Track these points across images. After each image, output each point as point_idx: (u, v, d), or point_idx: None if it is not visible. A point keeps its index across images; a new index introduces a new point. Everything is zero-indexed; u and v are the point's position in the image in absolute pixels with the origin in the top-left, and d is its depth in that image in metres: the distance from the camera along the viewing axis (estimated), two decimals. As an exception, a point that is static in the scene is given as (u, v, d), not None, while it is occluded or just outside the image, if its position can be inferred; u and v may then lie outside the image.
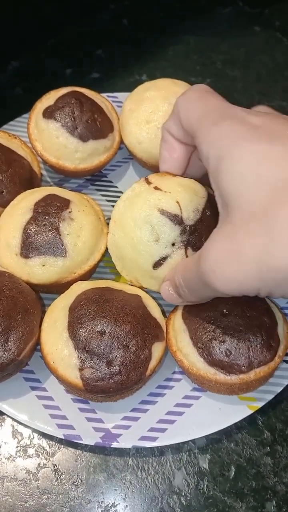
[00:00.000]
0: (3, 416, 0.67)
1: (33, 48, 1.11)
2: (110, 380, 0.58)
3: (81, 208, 0.71)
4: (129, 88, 0.99)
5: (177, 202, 0.62)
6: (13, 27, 1.14)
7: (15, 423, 0.67)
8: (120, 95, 0.94)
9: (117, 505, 0.62)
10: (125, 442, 0.62)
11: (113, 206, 0.84)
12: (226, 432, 0.66)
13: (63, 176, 0.87)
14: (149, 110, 0.79)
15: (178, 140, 0.61)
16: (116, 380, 0.58)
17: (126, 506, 0.62)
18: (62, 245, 0.67)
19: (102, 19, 1.17)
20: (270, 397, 0.65)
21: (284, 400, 0.69)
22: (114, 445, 0.62)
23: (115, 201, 0.85)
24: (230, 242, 0.46)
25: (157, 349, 0.62)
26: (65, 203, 0.70)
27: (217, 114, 0.51)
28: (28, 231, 0.67)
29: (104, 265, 0.78)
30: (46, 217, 0.67)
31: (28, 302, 0.62)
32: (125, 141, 0.83)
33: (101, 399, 0.62)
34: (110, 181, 0.87)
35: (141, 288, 0.68)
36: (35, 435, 0.66)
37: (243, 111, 0.51)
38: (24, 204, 0.71)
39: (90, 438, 0.62)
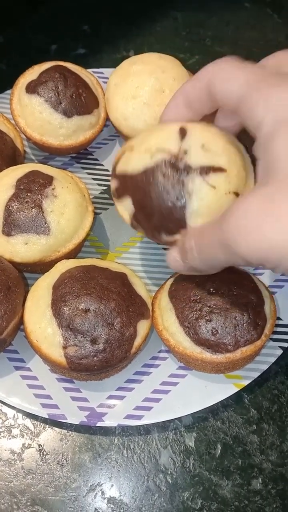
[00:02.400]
0: (-13, 397, 0.66)
1: (17, 23, 1.07)
2: (95, 358, 0.57)
3: (64, 185, 0.69)
4: (116, 64, 0.96)
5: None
6: (-4, 0, 1.10)
7: (-2, 404, 0.66)
8: (106, 71, 0.91)
9: (102, 484, 0.62)
10: (110, 420, 0.61)
11: (99, 184, 0.82)
12: (213, 410, 0.66)
13: (47, 153, 0.84)
14: (135, 85, 0.77)
15: (189, 106, 0.57)
16: (100, 358, 0.57)
17: (112, 485, 0.62)
18: (45, 223, 0.65)
19: (88, -7, 1.13)
20: (256, 375, 0.65)
21: (271, 378, 0.69)
22: (99, 424, 0.61)
23: (101, 180, 0.83)
24: (267, 202, 0.43)
25: (143, 327, 0.61)
26: (48, 180, 0.68)
27: (272, 78, 0.47)
28: (10, 208, 0.65)
29: (90, 244, 0.77)
30: (29, 194, 0.65)
31: (10, 280, 0.61)
32: (110, 117, 0.81)
33: (85, 377, 0.61)
34: (96, 159, 0.85)
35: None
36: (20, 415, 0.65)
37: None
38: (6, 181, 0.68)
39: (75, 417, 0.61)
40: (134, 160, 0.59)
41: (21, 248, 0.64)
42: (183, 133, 0.57)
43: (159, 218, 0.57)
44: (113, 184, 0.61)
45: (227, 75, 0.51)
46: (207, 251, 0.50)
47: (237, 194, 0.57)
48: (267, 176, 0.45)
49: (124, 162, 0.60)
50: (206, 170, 0.56)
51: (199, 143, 0.57)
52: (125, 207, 0.60)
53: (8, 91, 0.88)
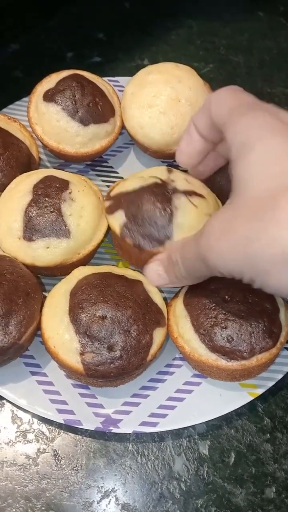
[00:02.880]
0: (3, 401, 0.67)
1: (33, 31, 1.09)
2: (111, 365, 0.57)
3: (80, 188, 0.70)
4: (131, 72, 0.98)
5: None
6: (13, 9, 1.11)
7: (14, 408, 0.66)
8: (122, 79, 0.93)
9: (116, 490, 0.62)
10: (125, 427, 0.61)
11: (114, 192, 0.83)
12: (226, 419, 0.66)
13: (63, 161, 0.85)
14: (152, 94, 0.78)
15: (200, 135, 0.62)
16: (117, 365, 0.58)
17: (126, 491, 0.62)
18: (65, 226, 0.66)
19: (103, 2, 1.14)
20: (270, 384, 0.65)
21: (284, 387, 0.69)
22: (115, 430, 0.61)
23: (116, 187, 0.84)
24: (227, 221, 0.48)
25: (158, 335, 0.61)
26: (64, 184, 0.69)
27: (249, 106, 0.53)
28: (30, 213, 0.66)
29: (105, 251, 0.77)
30: (47, 199, 0.66)
31: (29, 286, 0.62)
32: (126, 125, 0.82)
33: (101, 384, 0.61)
34: (111, 167, 0.86)
35: None
36: (35, 420, 0.66)
37: (276, 108, 0.53)
38: (22, 187, 0.70)
39: (91, 423, 0.62)
40: (129, 183, 0.70)
41: (43, 252, 0.65)
42: (170, 170, 0.70)
43: (148, 227, 0.65)
44: (107, 204, 0.71)
45: (220, 101, 0.56)
46: (190, 264, 0.55)
47: None
48: (232, 196, 0.50)
49: (119, 187, 0.72)
50: (190, 193, 0.67)
51: (183, 177, 0.69)
52: (116, 220, 0.68)
53: (25, 99, 0.89)
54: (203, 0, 1.15)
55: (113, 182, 0.85)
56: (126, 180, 0.71)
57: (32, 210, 0.66)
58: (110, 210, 0.69)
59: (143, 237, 0.66)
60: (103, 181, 0.85)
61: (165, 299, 0.67)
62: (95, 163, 0.86)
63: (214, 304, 0.61)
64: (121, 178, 0.85)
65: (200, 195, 0.67)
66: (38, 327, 0.63)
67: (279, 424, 0.67)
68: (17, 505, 0.61)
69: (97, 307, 0.59)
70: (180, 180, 0.68)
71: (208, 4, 1.15)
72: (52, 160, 0.86)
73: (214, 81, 0.99)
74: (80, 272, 0.65)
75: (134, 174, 0.73)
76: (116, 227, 0.68)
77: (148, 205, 0.65)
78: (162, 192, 0.66)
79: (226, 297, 0.61)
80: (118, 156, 0.87)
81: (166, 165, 0.86)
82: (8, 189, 0.70)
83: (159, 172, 0.70)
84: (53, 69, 0.85)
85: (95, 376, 0.58)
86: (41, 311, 0.63)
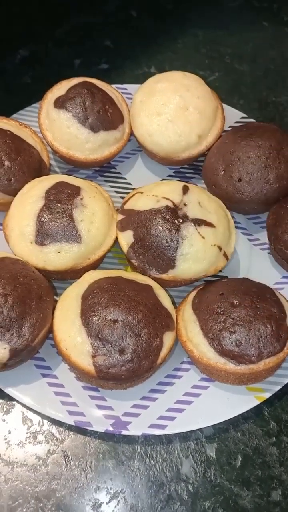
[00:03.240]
0: (13, 403, 0.68)
1: (41, 38, 1.10)
2: (122, 367, 0.59)
3: (91, 194, 0.71)
4: (138, 79, 1.00)
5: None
6: (22, 17, 1.13)
7: (25, 410, 0.67)
8: (130, 87, 0.94)
9: (125, 491, 0.63)
10: (135, 429, 0.63)
11: (122, 197, 0.85)
12: (233, 422, 0.67)
13: (72, 166, 0.87)
14: (160, 102, 0.79)
15: None
16: (128, 368, 0.59)
17: (134, 493, 0.63)
18: (77, 232, 0.67)
19: (110, 10, 1.16)
20: (277, 388, 0.66)
21: (290, 391, 0.70)
22: (124, 432, 0.62)
23: (123, 192, 0.85)
24: None
25: (168, 338, 0.63)
26: (76, 190, 0.70)
27: None
28: (42, 218, 0.67)
29: (113, 255, 0.79)
30: (59, 205, 0.68)
31: (41, 290, 0.63)
32: (135, 132, 0.83)
33: (112, 386, 0.63)
34: (119, 173, 0.88)
35: None
36: (45, 421, 0.67)
37: None
38: (34, 192, 0.71)
39: (100, 425, 0.63)
40: (142, 201, 0.71)
41: (54, 256, 0.67)
42: (185, 190, 0.70)
43: (153, 253, 0.68)
44: (119, 217, 0.72)
45: None
46: None
47: (220, 248, 0.69)
48: None
49: (133, 201, 0.73)
50: (199, 222, 0.68)
51: (197, 200, 0.70)
52: (125, 238, 0.71)
53: (35, 105, 0.91)
54: (208, 10, 1.17)
55: (121, 187, 0.86)
56: (141, 196, 0.72)
57: (45, 215, 0.67)
58: (122, 227, 0.72)
59: (148, 262, 0.69)
60: (112, 186, 0.86)
61: (174, 303, 0.69)
62: (103, 169, 0.87)
63: (222, 309, 0.62)
64: (129, 184, 0.86)
65: (210, 224, 0.68)
66: (50, 330, 0.64)
67: (285, 428, 0.68)
68: (28, 505, 0.62)
69: (109, 311, 0.60)
70: (192, 204, 0.69)
71: (213, 13, 1.17)
72: (62, 165, 0.87)
73: (219, 89, 1.00)
74: (91, 276, 0.66)
75: (150, 187, 0.73)
76: (124, 246, 0.71)
77: (156, 232, 0.67)
78: (171, 220, 0.67)
79: (235, 302, 0.62)
80: (126, 162, 0.89)
81: (174, 172, 0.88)
82: (21, 194, 0.72)
83: (174, 191, 0.70)
84: (62, 75, 0.87)
85: (106, 378, 0.59)
86: (53, 314, 0.65)
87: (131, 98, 0.88)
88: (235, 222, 0.77)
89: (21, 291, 0.61)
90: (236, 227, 0.78)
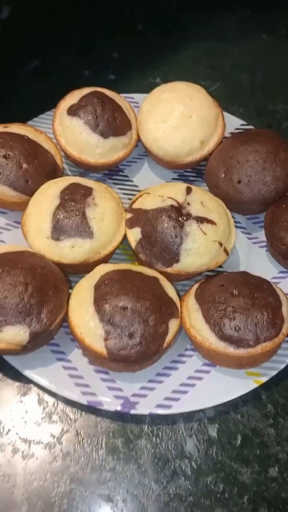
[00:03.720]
0: (30, 385, 0.73)
1: (53, 49, 1.17)
2: (132, 350, 0.64)
3: (102, 195, 0.77)
4: (144, 89, 1.06)
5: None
6: (34, 29, 1.20)
7: (40, 392, 0.73)
8: (136, 96, 1.00)
9: (133, 467, 0.69)
10: (142, 409, 0.68)
11: (129, 199, 0.91)
12: (233, 405, 0.73)
13: (83, 170, 0.93)
14: (166, 110, 0.86)
15: None
16: (137, 350, 0.64)
17: (142, 468, 0.69)
18: (89, 228, 0.73)
19: (118, 23, 1.23)
20: (273, 372, 0.72)
21: (286, 377, 0.75)
22: (133, 411, 0.68)
23: (131, 194, 0.91)
24: None
25: (173, 325, 0.68)
26: (88, 191, 0.76)
27: None
28: (58, 216, 0.73)
29: (122, 252, 0.85)
30: (73, 203, 0.74)
31: (58, 280, 0.69)
32: (142, 138, 0.89)
33: (121, 368, 0.68)
34: (126, 176, 0.94)
35: None
36: (59, 403, 0.72)
37: None
38: (50, 192, 0.77)
39: (111, 405, 0.68)
40: (149, 200, 0.77)
41: (69, 251, 0.73)
42: (189, 190, 0.77)
43: (159, 248, 0.74)
44: (128, 215, 0.79)
45: None
46: None
47: (221, 244, 0.74)
48: None
49: (140, 201, 0.79)
50: (202, 220, 0.74)
51: (199, 200, 0.76)
52: (133, 235, 0.77)
53: (48, 112, 0.97)
54: (210, 23, 1.24)
55: (129, 189, 0.92)
56: (148, 196, 0.78)
57: (60, 213, 0.74)
58: (130, 225, 0.78)
59: (155, 257, 0.74)
60: (120, 188, 0.92)
61: (178, 294, 0.74)
62: (112, 172, 0.94)
63: (223, 298, 0.68)
64: (136, 186, 0.92)
65: (211, 222, 0.74)
66: (65, 317, 0.70)
67: (281, 411, 0.73)
68: (44, 479, 0.68)
69: (119, 299, 0.66)
70: (195, 203, 0.75)
71: (214, 26, 1.24)
72: (73, 169, 0.94)
73: (220, 98, 1.06)
74: (103, 269, 0.72)
75: (156, 188, 0.80)
76: (132, 242, 0.77)
77: (162, 229, 0.73)
78: (176, 217, 0.73)
79: (234, 292, 0.68)
80: (133, 166, 0.95)
81: (178, 175, 0.94)
82: (37, 194, 0.78)
83: (178, 191, 0.76)
84: (71, 85, 0.93)
85: (117, 360, 0.65)
86: (67, 302, 0.70)
87: (137, 107, 0.95)
88: (235, 222, 0.83)
89: (39, 280, 0.67)
90: (236, 226, 0.84)
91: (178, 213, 0.73)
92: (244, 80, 1.14)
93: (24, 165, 0.80)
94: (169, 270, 0.74)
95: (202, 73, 1.15)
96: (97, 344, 0.65)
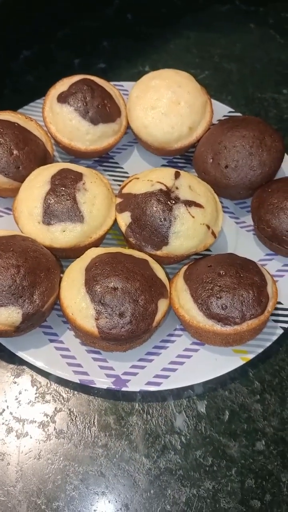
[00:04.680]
0: (23, 367, 0.75)
1: (43, 39, 1.18)
2: (122, 329, 0.66)
3: (92, 180, 0.79)
4: (133, 78, 1.07)
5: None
6: (25, 19, 1.21)
7: (34, 373, 0.75)
8: (126, 84, 1.02)
9: (125, 443, 0.71)
10: (133, 386, 0.70)
11: (119, 185, 0.92)
12: (221, 382, 0.75)
13: (73, 157, 0.94)
14: (154, 97, 0.87)
15: None
16: (127, 329, 0.66)
17: (133, 444, 0.71)
18: (80, 213, 0.75)
19: (107, 14, 1.24)
20: (259, 350, 0.74)
21: (272, 355, 0.78)
22: (124, 389, 0.70)
23: (120, 180, 0.93)
24: None
25: (162, 305, 0.70)
26: (79, 176, 0.78)
27: None
28: (48, 201, 0.75)
29: (112, 237, 0.86)
30: (63, 188, 0.75)
31: (49, 263, 0.71)
32: (131, 125, 0.91)
33: (112, 347, 0.70)
34: (117, 163, 0.95)
35: None
36: (52, 383, 0.74)
37: None
38: (41, 178, 0.78)
39: (103, 383, 0.70)
40: (139, 185, 0.78)
41: (60, 235, 0.74)
42: (177, 175, 0.78)
43: (149, 232, 0.76)
44: (118, 200, 0.80)
45: None
46: None
47: (208, 227, 0.75)
48: None
49: (130, 186, 0.80)
50: (190, 203, 0.76)
51: (187, 184, 0.77)
52: (123, 219, 0.78)
53: (38, 100, 0.98)
54: (199, 14, 1.26)
55: (119, 176, 0.94)
56: (137, 181, 0.80)
57: (51, 198, 0.75)
58: (120, 209, 0.79)
59: (144, 240, 0.76)
60: (110, 175, 0.94)
61: (167, 276, 0.76)
62: (102, 159, 0.95)
63: (210, 279, 0.70)
64: (126, 173, 0.94)
65: (199, 205, 0.76)
66: (57, 298, 0.72)
67: (267, 387, 0.76)
68: (38, 456, 0.70)
69: (110, 280, 0.68)
70: (183, 188, 0.77)
71: (204, 17, 1.25)
72: (63, 156, 0.95)
73: (209, 87, 1.08)
74: (93, 252, 0.73)
75: (146, 173, 0.81)
76: (122, 226, 0.79)
77: (151, 212, 0.75)
78: (164, 201, 0.75)
79: (221, 272, 0.70)
80: (123, 153, 0.96)
81: (167, 162, 0.96)
82: (28, 180, 0.79)
83: (167, 175, 0.78)
84: (62, 74, 0.94)
85: (108, 338, 0.67)
86: (59, 285, 0.72)
87: (127, 95, 0.96)
88: (223, 207, 0.85)
89: (31, 263, 0.68)
90: (224, 211, 0.86)
91: (167, 197, 0.75)
92: (232, 69, 1.16)
93: (15, 152, 0.81)
94: (158, 253, 0.76)
95: (192, 62, 1.16)
96: (89, 323, 0.67)
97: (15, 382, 0.75)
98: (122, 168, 0.95)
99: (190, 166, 0.94)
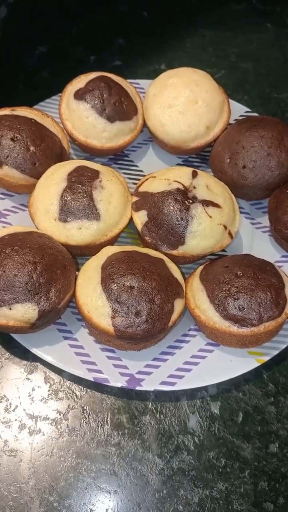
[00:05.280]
0: (36, 364, 0.75)
1: (58, 36, 1.18)
2: (138, 328, 0.66)
3: (109, 177, 0.78)
4: (149, 75, 1.07)
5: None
6: (40, 16, 1.20)
7: (47, 370, 0.75)
8: (142, 82, 1.01)
9: (138, 442, 0.71)
10: (147, 385, 0.70)
11: (134, 183, 0.92)
12: (235, 383, 0.75)
13: (88, 154, 0.94)
14: (172, 95, 0.87)
15: None
16: (143, 328, 0.66)
17: (146, 443, 0.71)
18: (96, 210, 0.74)
19: (123, 11, 1.24)
20: (275, 352, 0.73)
21: (287, 357, 0.77)
22: (138, 388, 0.70)
23: (135, 179, 0.93)
24: None
25: (178, 304, 0.70)
26: (95, 174, 0.77)
27: None
28: (65, 198, 0.74)
29: (127, 236, 0.86)
30: (80, 186, 0.75)
31: (65, 260, 0.70)
32: (148, 123, 0.90)
33: (127, 346, 0.70)
34: (132, 161, 0.95)
35: None
36: (65, 380, 0.74)
37: None
38: (57, 175, 0.78)
39: (117, 381, 0.70)
40: (156, 184, 0.78)
41: (76, 232, 0.74)
42: (194, 174, 0.78)
43: (165, 231, 0.75)
44: (134, 199, 0.80)
45: None
46: None
47: (225, 227, 0.75)
48: None
49: (147, 185, 0.80)
50: (207, 203, 0.75)
51: (205, 183, 0.77)
52: (139, 218, 0.78)
53: (54, 97, 0.98)
54: (215, 12, 1.25)
55: (134, 174, 0.93)
56: (154, 180, 0.79)
57: (67, 195, 0.75)
58: (136, 207, 0.79)
59: (160, 239, 0.76)
60: (125, 173, 0.93)
61: (183, 276, 0.76)
62: (117, 157, 0.95)
63: (227, 279, 0.69)
64: (141, 171, 0.94)
65: (216, 205, 0.75)
66: (73, 296, 0.72)
67: (282, 390, 0.75)
68: (51, 453, 0.69)
69: (126, 278, 0.67)
70: (201, 187, 0.76)
71: (220, 16, 1.24)
72: (79, 153, 0.95)
73: (225, 86, 1.07)
74: (109, 250, 0.73)
75: (162, 171, 0.81)
76: (138, 225, 0.78)
77: (168, 211, 0.74)
78: (182, 200, 0.74)
79: (239, 273, 0.70)
80: (138, 152, 0.96)
81: (182, 161, 0.95)
82: (45, 177, 0.79)
83: (184, 175, 0.77)
84: (77, 71, 0.94)
85: (123, 337, 0.66)
86: (75, 283, 0.72)
87: (143, 93, 0.96)
88: (239, 207, 0.84)
89: (48, 260, 0.68)
90: (240, 212, 0.86)
91: (184, 196, 0.75)
92: (249, 68, 1.15)
93: (32, 148, 0.81)
94: (174, 252, 0.76)
95: (207, 61, 1.15)
96: (104, 322, 0.67)
97: (28, 379, 0.74)
98: (137, 166, 0.94)
99: (206, 166, 0.94)
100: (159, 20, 1.22)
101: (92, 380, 0.70)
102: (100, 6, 1.24)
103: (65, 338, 0.73)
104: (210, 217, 0.74)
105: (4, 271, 0.66)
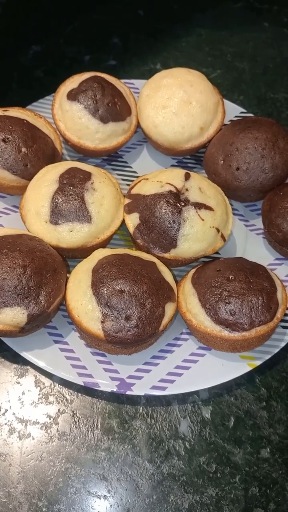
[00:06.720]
0: (27, 367, 0.74)
1: (53, 34, 1.17)
2: (128, 332, 0.65)
3: (101, 179, 0.78)
4: (144, 75, 1.06)
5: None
6: (34, 14, 1.19)
7: (37, 373, 0.74)
8: (137, 82, 1.00)
9: (128, 447, 0.70)
10: (138, 390, 0.69)
11: (128, 184, 0.91)
12: (227, 387, 0.74)
13: (82, 155, 0.93)
14: (166, 96, 0.86)
15: None
16: (133, 333, 0.65)
17: (136, 448, 0.70)
18: (88, 213, 0.74)
19: (119, 9, 1.23)
20: (267, 356, 0.73)
21: (280, 361, 0.77)
22: (128, 392, 0.69)
23: (129, 180, 0.92)
24: None
25: (169, 309, 0.69)
26: (87, 175, 0.77)
27: None
28: (56, 200, 0.74)
29: (120, 237, 0.85)
30: (71, 188, 0.74)
31: (56, 263, 0.70)
32: (142, 124, 0.89)
33: (118, 351, 0.69)
34: (125, 162, 0.94)
35: None
36: (56, 384, 0.73)
37: None
38: (49, 176, 0.77)
39: (107, 386, 0.69)
40: (148, 186, 0.77)
41: (67, 235, 0.73)
42: (187, 176, 0.76)
43: (157, 233, 0.74)
44: (126, 201, 0.79)
45: None
46: None
47: (218, 230, 0.75)
48: None
49: (139, 187, 0.79)
50: (200, 206, 0.74)
51: (197, 186, 0.76)
52: (131, 220, 0.77)
53: (48, 97, 0.97)
54: (212, 11, 1.24)
55: (127, 175, 0.93)
56: (146, 182, 0.78)
57: (59, 197, 0.74)
58: (128, 210, 0.78)
59: (152, 242, 0.75)
60: (119, 174, 0.92)
61: (175, 279, 0.75)
62: (111, 158, 0.94)
63: (219, 283, 0.69)
64: (135, 172, 0.93)
65: (209, 208, 0.74)
66: (63, 300, 0.71)
67: (274, 394, 0.75)
68: (40, 458, 0.69)
69: (117, 282, 0.66)
70: (194, 189, 0.75)
71: (216, 14, 1.23)
72: (72, 154, 0.94)
73: (221, 86, 1.07)
74: (100, 253, 0.72)
75: (155, 173, 0.80)
76: (130, 227, 0.77)
77: (160, 214, 0.73)
78: (174, 203, 0.73)
79: (230, 277, 0.69)
80: (132, 152, 0.95)
81: (177, 162, 0.94)
82: (36, 178, 0.78)
83: (177, 177, 0.76)
84: (72, 70, 0.93)
85: (113, 342, 0.66)
86: (65, 286, 0.71)
87: (137, 93, 0.95)
88: (233, 209, 0.83)
89: (38, 263, 0.67)
90: (234, 214, 0.85)
91: (176, 198, 0.74)
92: (245, 68, 1.14)
93: (23, 149, 0.80)
94: (166, 255, 0.75)
95: (203, 60, 1.14)
96: (94, 326, 0.66)
97: (18, 383, 0.74)
98: (131, 167, 0.94)
99: (200, 167, 0.93)
100: (155, 19, 1.21)
101: (82, 384, 0.70)
102: (95, 5, 1.23)
103: (56, 341, 0.73)
104: (203, 220, 0.74)
105: (-7, 275, 0.66)
